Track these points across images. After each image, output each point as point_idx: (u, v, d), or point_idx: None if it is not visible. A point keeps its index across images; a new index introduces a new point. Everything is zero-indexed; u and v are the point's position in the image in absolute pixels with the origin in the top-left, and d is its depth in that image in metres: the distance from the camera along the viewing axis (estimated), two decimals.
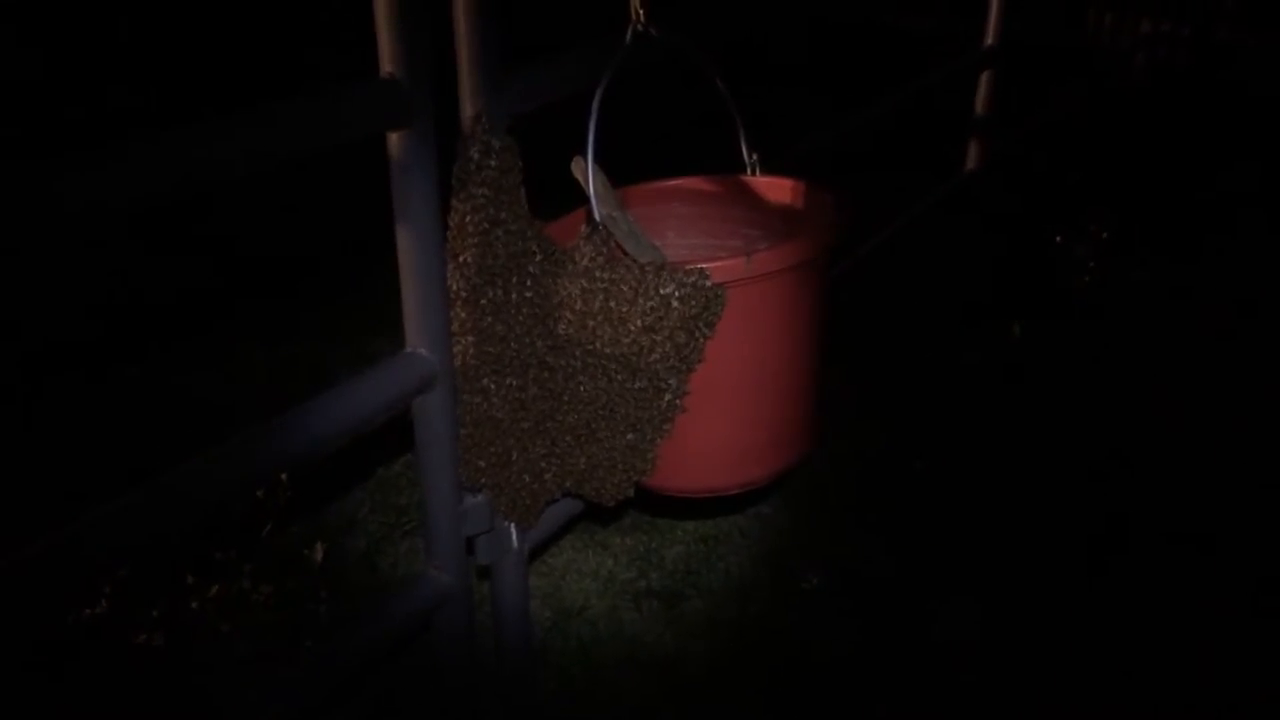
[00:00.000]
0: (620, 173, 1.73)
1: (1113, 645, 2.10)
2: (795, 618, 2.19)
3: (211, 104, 4.69)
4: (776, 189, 1.84)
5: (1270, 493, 2.50)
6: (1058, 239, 3.44)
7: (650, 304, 1.50)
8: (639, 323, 1.51)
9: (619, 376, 1.56)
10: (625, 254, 1.57)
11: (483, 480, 1.67)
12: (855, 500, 2.53)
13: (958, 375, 3.00)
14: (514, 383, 1.60)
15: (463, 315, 1.55)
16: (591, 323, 1.54)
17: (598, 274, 1.53)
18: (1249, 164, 4.35)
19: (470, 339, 1.56)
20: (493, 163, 1.48)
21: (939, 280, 3.49)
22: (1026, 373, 3.01)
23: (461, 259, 1.51)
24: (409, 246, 1.47)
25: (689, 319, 1.50)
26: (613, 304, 1.52)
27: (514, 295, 1.55)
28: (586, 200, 1.56)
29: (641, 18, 1.59)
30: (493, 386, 1.59)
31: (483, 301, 1.53)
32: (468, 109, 1.46)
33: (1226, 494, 2.51)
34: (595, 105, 1.53)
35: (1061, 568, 2.31)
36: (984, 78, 3.54)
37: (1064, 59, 5.23)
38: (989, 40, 3.48)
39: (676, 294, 1.49)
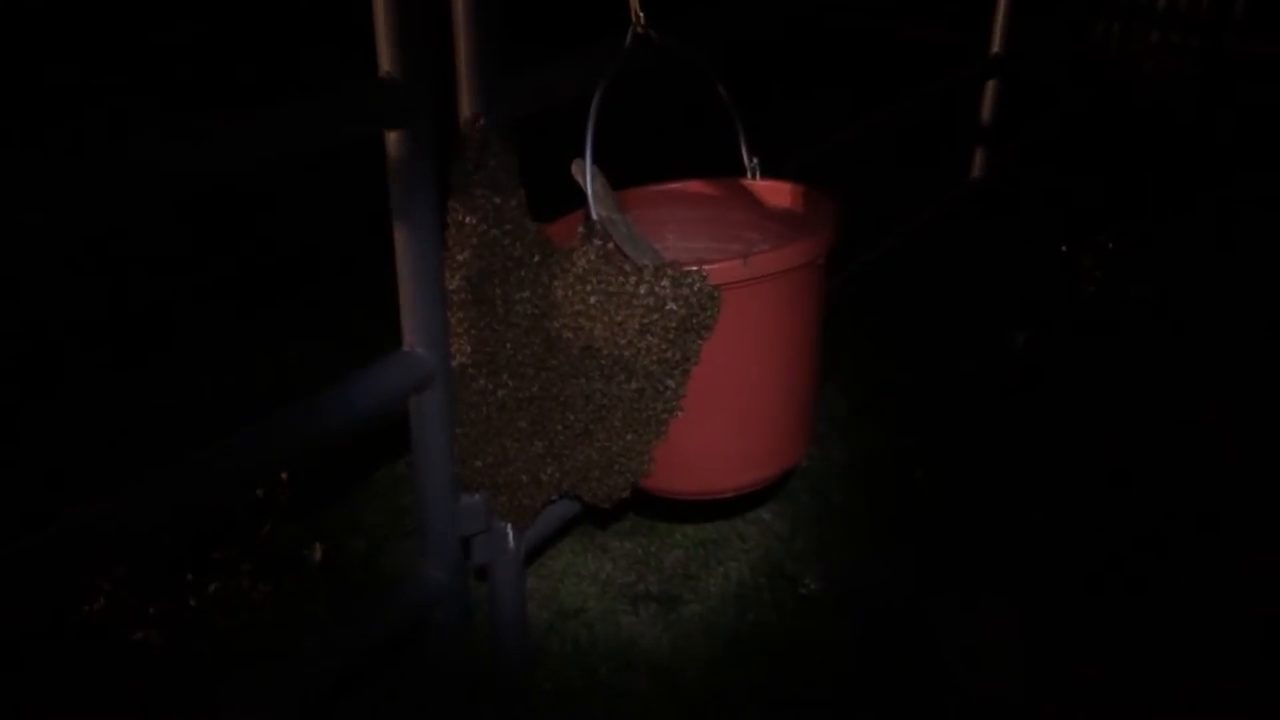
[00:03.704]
0: (620, 175, 1.74)
1: (1115, 659, 2.09)
2: (793, 623, 2.19)
3: (209, 103, 4.72)
4: (776, 193, 1.84)
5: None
6: (1063, 249, 3.44)
7: (647, 305, 1.50)
8: (636, 324, 1.52)
9: (616, 377, 1.57)
10: (624, 255, 1.57)
11: (480, 480, 1.68)
12: (854, 507, 2.52)
13: (960, 383, 3.00)
14: (511, 383, 1.61)
15: (460, 315, 1.55)
16: (589, 323, 1.55)
17: (596, 275, 1.53)
18: (1258, 174, 4.34)
19: (467, 338, 1.56)
20: (491, 163, 1.49)
21: (942, 288, 3.48)
22: (1030, 382, 3.00)
23: (459, 259, 1.52)
24: (407, 246, 1.48)
25: (686, 320, 1.51)
26: (610, 305, 1.53)
27: (512, 295, 1.55)
28: (585, 202, 1.56)
29: (642, 20, 1.60)
30: (490, 386, 1.60)
31: (480, 301, 1.54)
32: (467, 110, 1.47)
33: (1235, 507, 2.50)
34: (595, 107, 1.54)
35: (1063, 579, 2.30)
36: (989, 86, 3.55)
37: (1071, 68, 5.23)
38: (995, 49, 3.49)
39: (674, 295, 1.49)
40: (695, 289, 1.50)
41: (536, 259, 1.57)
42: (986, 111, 3.59)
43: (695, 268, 1.50)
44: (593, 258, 1.53)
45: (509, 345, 1.58)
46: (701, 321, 1.52)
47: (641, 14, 1.60)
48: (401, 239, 1.48)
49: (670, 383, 1.56)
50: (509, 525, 1.75)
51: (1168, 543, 2.38)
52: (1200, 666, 2.06)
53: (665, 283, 1.49)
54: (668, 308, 1.50)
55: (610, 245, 1.54)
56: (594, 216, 1.55)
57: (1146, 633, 2.14)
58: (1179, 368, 3.07)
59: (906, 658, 2.10)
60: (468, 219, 1.50)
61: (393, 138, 1.42)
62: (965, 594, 2.25)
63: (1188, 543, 2.38)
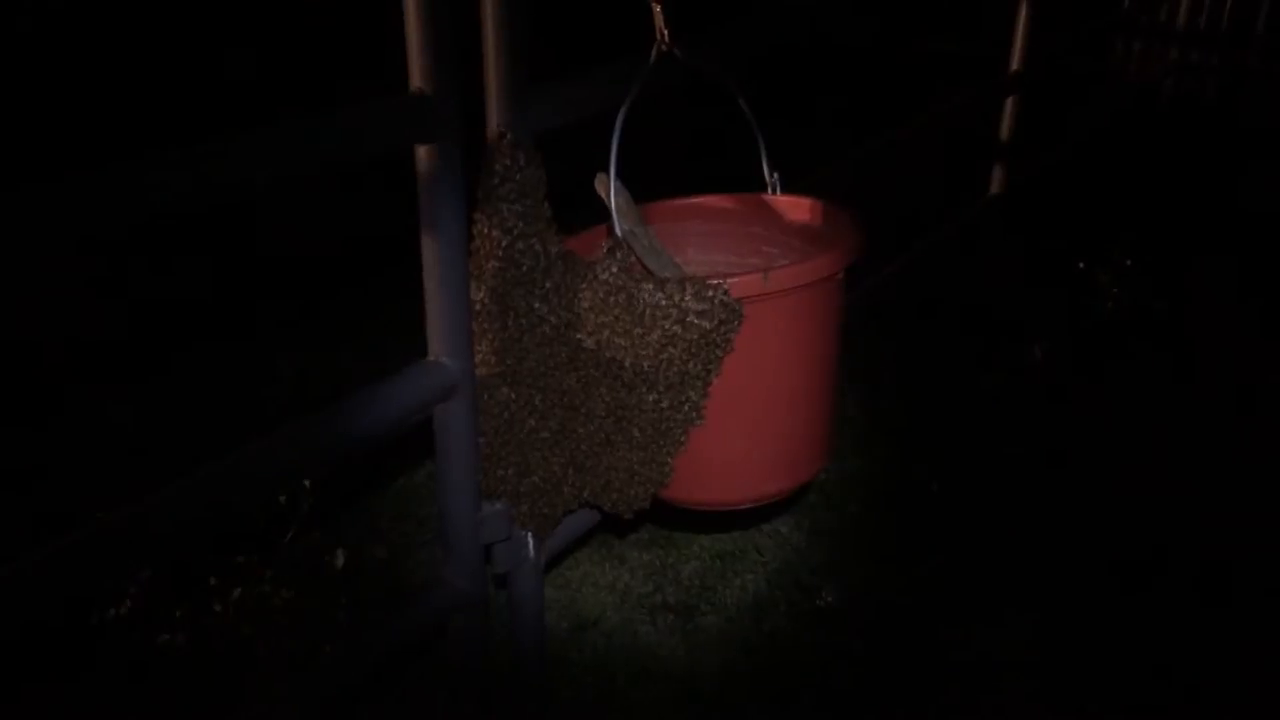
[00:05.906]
0: (643, 189, 1.76)
1: (1129, 676, 2.09)
2: (809, 635, 2.20)
3: (237, 117, 4.76)
4: (797, 208, 1.86)
5: None
6: (1080, 265, 3.44)
7: (669, 318, 1.52)
8: (658, 336, 1.53)
9: (638, 389, 1.59)
10: (645, 269, 1.59)
11: (502, 489, 1.70)
12: (871, 520, 2.53)
13: (977, 397, 3.00)
14: (534, 393, 1.63)
15: (484, 325, 1.58)
16: (611, 335, 1.57)
17: (618, 288, 1.55)
18: (1274, 191, 4.33)
19: (491, 349, 1.59)
20: (517, 177, 1.51)
21: (961, 302, 3.49)
22: (1047, 396, 3.01)
23: (485, 270, 1.54)
24: (434, 257, 1.51)
25: (707, 333, 1.53)
26: (632, 318, 1.55)
27: (536, 307, 1.58)
28: (609, 215, 1.58)
29: (666, 38, 1.62)
30: (513, 396, 1.62)
31: (504, 312, 1.56)
32: (493, 124, 1.50)
33: (1255, 529, 2.49)
34: (619, 123, 1.56)
35: (1080, 594, 2.30)
36: (1009, 103, 3.56)
37: (1091, 86, 5.23)
38: (1014, 65, 3.50)
39: (695, 309, 1.51)
40: (716, 303, 1.51)
41: (560, 271, 1.59)
42: (1006, 128, 3.60)
43: (717, 281, 1.52)
44: (615, 271, 1.55)
45: (532, 356, 1.60)
46: (722, 335, 1.54)
47: (666, 31, 1.62)
48: (429, 250, 1.51)
49: (691, 395, 1.58)
50: (530, 534, 1.77)
51: (1192, 558, 2.38)
52: (1234, 687, 2.06)
53: (687, 296, 1.51)
54: (689, 321, 1.52)
55: (633, 258, 1.57)
56: (617, 230, 1.57)
57: (1167, 649, 2.14)
58: (1196, 382, 3.06)
59: (921, 671, 2.11)
60: (493, 231, 1.52)
61: (422, 152, 1.44)
62: (981, 608, 2.25)
63: (1210, 557, 2.38)
